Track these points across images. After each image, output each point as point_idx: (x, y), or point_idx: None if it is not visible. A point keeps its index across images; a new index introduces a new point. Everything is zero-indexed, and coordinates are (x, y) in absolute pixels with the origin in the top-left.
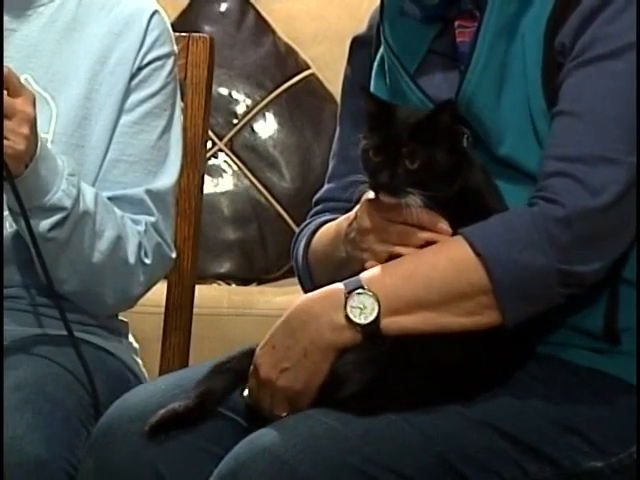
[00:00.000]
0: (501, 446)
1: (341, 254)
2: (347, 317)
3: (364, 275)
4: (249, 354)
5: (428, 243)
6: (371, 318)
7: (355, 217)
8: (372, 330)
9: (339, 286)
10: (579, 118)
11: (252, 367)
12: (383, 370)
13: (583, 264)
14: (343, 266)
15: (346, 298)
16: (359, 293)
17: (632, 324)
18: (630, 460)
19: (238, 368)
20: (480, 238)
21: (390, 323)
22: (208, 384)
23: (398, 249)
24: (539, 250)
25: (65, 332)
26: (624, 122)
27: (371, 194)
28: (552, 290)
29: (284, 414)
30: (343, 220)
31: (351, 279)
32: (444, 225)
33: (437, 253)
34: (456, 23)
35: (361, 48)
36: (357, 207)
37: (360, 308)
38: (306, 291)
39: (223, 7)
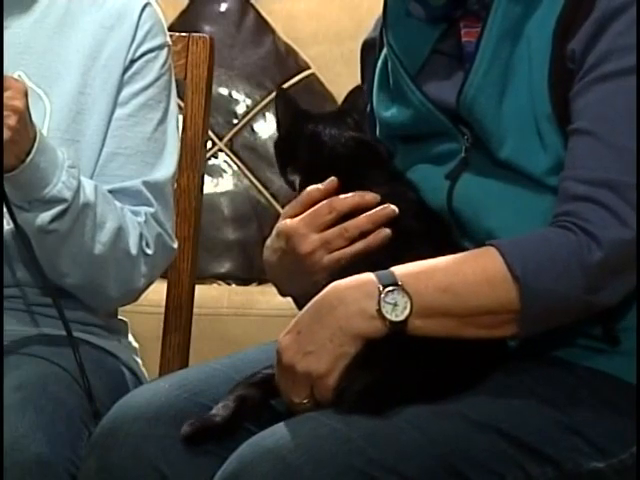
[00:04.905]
0: (503, 448)
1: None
2: (379, 310)
3: (398, 271)
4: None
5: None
6: (402, 317)
7: (284, 252)
8: (399, 328)
9: (371, 277)
10: (601, 140)
11: (276, 354)
12: (387, 368)
13: (609, 294)
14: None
15: (380, 291)
16: (393, 290)
17: (632, 324)
18: (631, 460)
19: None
20: (518, 259)
21: (416, 326)
22: (243, 392)
23: (349, 250)
24: (573, 282)
25: (65, 332)
26: None
27: (281, 223)
28: (572, 315)
29: (305, 401)
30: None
31: (383, 272)
32: (368, 195)
33: (473, 268)
34: (461, 23)
35: (370, 52)
36: (278, 244)
37: (393, 304)
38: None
39: (223, 7)
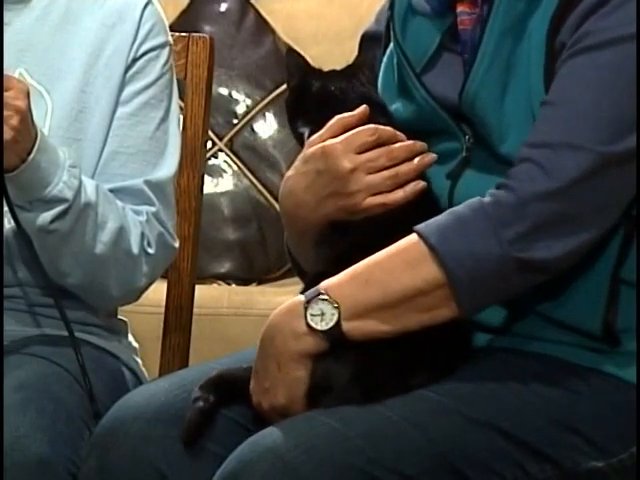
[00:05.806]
0: (502, 446)
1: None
2: (308, 325)
3: (322, 284)
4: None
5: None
6: (331, 324)
7: (319, 173)
8: (335, 335)
9: (299, 297)
10: (555, 106)
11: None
12: (360, 361)
13: (542, 250)
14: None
15: (305, 307)
16: (318, 301)
17: (631, 324)
18: (631, 460)
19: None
20: (433, 232)
21: (352, 328)
22: (219, 372)
23: (399, 169)
24: (492, 239)
25: (65, 332)
26: (601, 112)
27: (313, 148)
28: (510, 279)
29: None
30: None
31: (310, 290)
32: (400, 133)
33: (392, 255)
34: (458, 9)
35: (371, 43)
36: (313, 165)
37: (320, 315)
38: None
39: (223, 7)
